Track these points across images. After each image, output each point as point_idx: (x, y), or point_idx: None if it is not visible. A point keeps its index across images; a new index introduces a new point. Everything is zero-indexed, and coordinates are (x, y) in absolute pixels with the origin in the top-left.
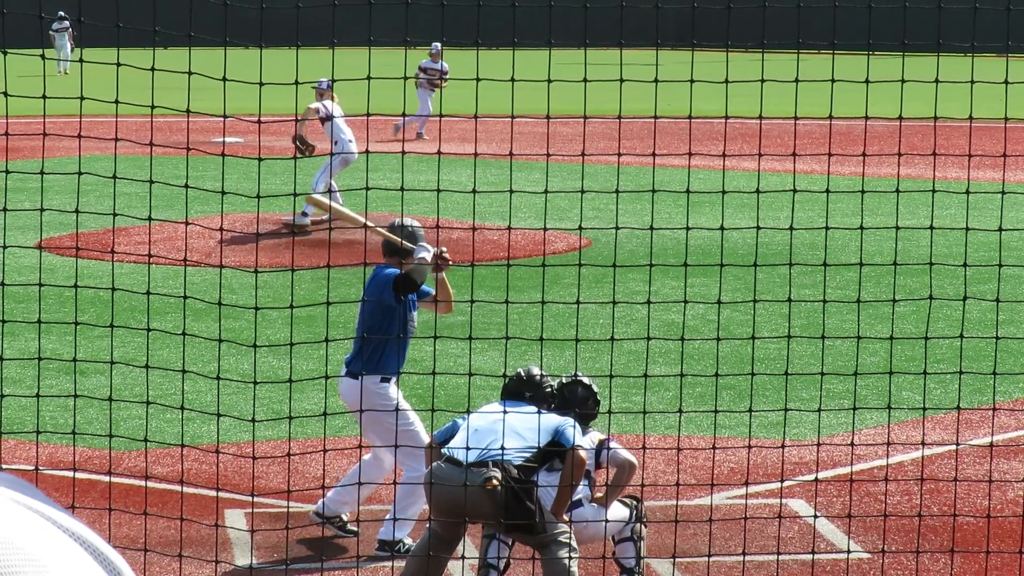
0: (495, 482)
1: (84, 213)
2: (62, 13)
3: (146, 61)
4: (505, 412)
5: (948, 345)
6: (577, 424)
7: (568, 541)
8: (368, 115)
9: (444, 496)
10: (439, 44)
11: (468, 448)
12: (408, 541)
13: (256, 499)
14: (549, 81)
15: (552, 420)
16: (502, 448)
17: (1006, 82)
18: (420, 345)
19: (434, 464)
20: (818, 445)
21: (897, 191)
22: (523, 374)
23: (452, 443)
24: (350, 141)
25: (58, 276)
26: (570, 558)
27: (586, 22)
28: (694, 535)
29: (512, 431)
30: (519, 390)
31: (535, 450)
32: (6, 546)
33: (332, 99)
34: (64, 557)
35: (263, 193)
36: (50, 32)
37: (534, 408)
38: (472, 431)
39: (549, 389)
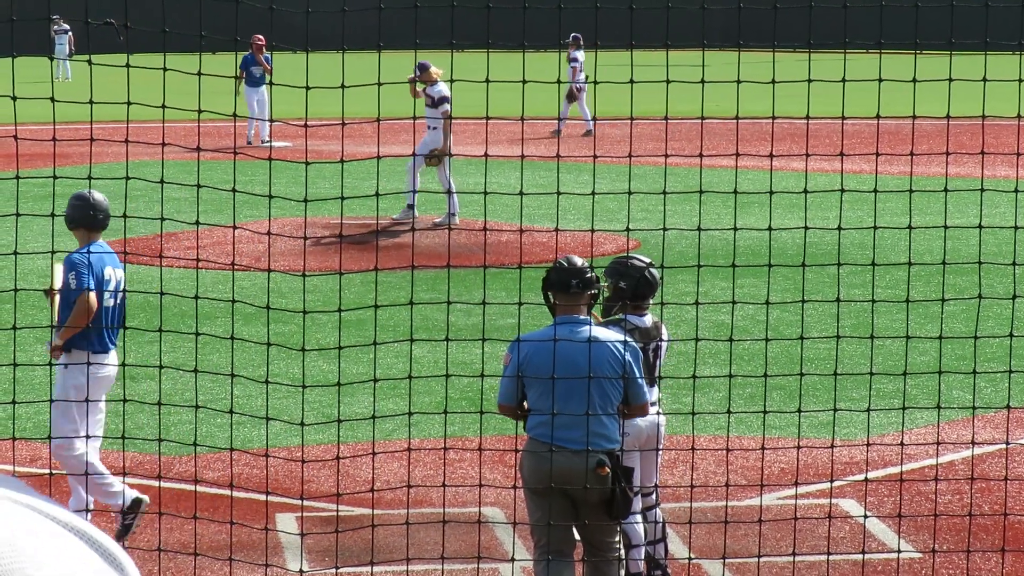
0: (607, 469)
1: (132, 218)
2: (56, 16)
3: (192, 66)
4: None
5: (998, 344)
6: (636, 352)
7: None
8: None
9: (557, 478)
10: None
11: (554, 412)
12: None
13: (306, 503)
14: (596, 83)
15: (617, 357)
16: (591, 427)
17: None
18: (468, 348)
19: (538, 446)
20: (868, 445)
21: (946, 190)
22: (566, 264)
23: (543, 410)
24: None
25: None
26: (620, 559)
27: (632, 23)
28: (744, 535)
29: (596, 393)
30: (572, 282)
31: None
32: (3, 544)
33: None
34: (63, 552)
35: (311, 197)
36: (52, 32)
37: (589, 329)
38: (557, 398)
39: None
